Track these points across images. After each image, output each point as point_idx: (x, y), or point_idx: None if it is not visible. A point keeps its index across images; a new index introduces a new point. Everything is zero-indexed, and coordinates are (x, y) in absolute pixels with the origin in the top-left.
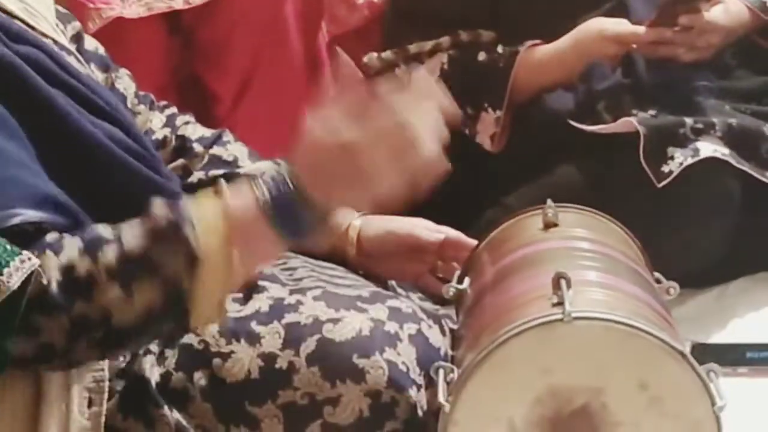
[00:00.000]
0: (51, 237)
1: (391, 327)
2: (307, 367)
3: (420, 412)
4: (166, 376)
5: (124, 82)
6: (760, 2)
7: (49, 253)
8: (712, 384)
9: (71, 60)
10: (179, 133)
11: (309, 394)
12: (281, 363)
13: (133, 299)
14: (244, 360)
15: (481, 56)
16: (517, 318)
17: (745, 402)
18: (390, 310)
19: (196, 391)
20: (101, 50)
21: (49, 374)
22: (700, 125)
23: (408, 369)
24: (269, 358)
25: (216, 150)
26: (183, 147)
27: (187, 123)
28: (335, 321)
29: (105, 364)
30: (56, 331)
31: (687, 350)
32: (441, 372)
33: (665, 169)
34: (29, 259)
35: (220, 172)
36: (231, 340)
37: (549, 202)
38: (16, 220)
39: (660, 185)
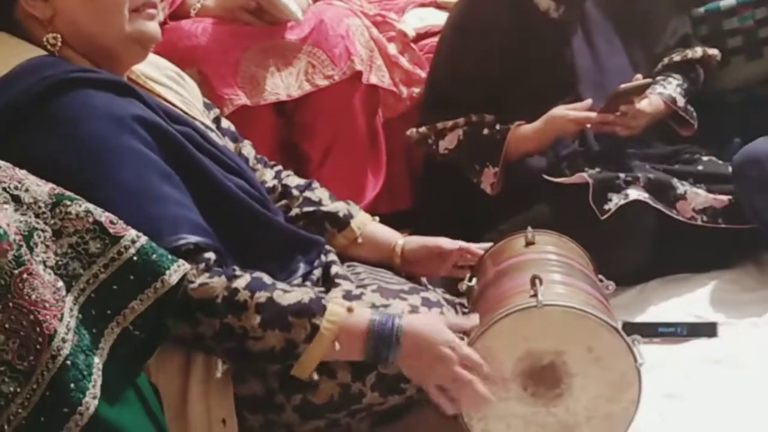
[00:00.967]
0: (209, 254)
1: (423, 310)
2: (371, 392)
3: None
4: (270, 394)
5: (247, 149)
6: (671, 97)
7: (223, 277)
8: (635, 348)
9: (213, 135)
10: (283, 182)
11: (369, 404)
12: (354, 390)
13: (264, 335)
14: None
15: (485, 131)
16: (506, 305)
17: (657, 361)
18: (423, 299)
19: (289, 407)
20: (232, 128)
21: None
22: (629, 178)
23: None
24: (344, 387)
25: (307, 194)
26: (285, 192)
27: (288, 175)
28: (386, 306)
29: None
30: (209, 328)
31: (619, 326)
32: None
33: (606, 207)
34: (183, 264)
35: (311, 209)
36: None
37: (529, 228)
38: (182, 242)
39: (603, 218)
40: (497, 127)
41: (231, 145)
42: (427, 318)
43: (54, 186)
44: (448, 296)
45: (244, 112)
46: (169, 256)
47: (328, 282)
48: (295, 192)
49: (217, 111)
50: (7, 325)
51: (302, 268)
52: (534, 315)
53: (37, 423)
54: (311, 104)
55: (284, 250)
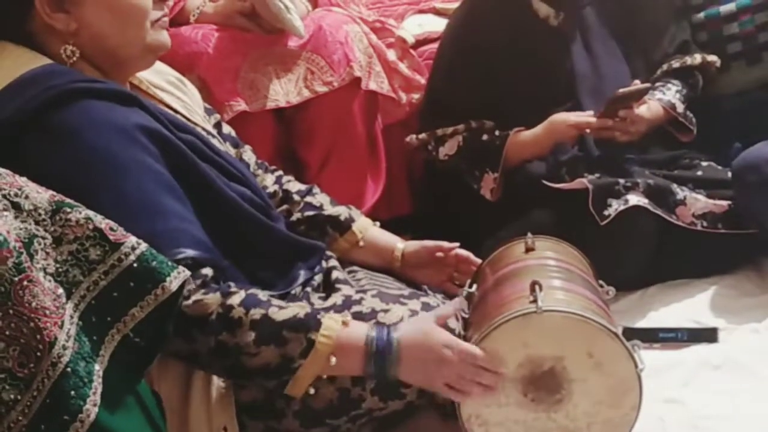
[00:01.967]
0: (206, 270)
1: (423, 315)
2: (371, 397)
3: None
4: (270, 396)
5: (248, 154)
6: (670, 103)
7: (218, 294)
8: (635, 354)
9: (215, 141)
10: (284, 187)
11: (369, 409)
12: (353, 395)
13: (259, 351)
14: None
15: (485, 137)
16: (506, 311)
17: (658, 366)
18: (422, 303)
19: (289, 411)
20: (233, 133)
21: None
22: (629, 184)
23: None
24: (343, 392)
25: (308, 198)
26: (287, 197)
27: (289, 181)
28: (386, 311)
29: None
30: (204, 345)
31: (619, 332)
32: None
33: (606, 213)
34: (183, 271)
35: (312, 213)
36: None
37: (529, 234)
38: (180, 256)
39: (602, 224)
40: (497, 133)
41: (232, 151)
42: (418, 324)
43: (54, 193)
44: (448, 301)
45: (243, 118)
46: (169, 263)
47: (328, 287)
48: (296, 197)
49: (218, 116)
50: (7, 333)
51: (303, 275)
52: (534, 320)
53: (38, 431)
54: (310, 110)
55: (285, 257)
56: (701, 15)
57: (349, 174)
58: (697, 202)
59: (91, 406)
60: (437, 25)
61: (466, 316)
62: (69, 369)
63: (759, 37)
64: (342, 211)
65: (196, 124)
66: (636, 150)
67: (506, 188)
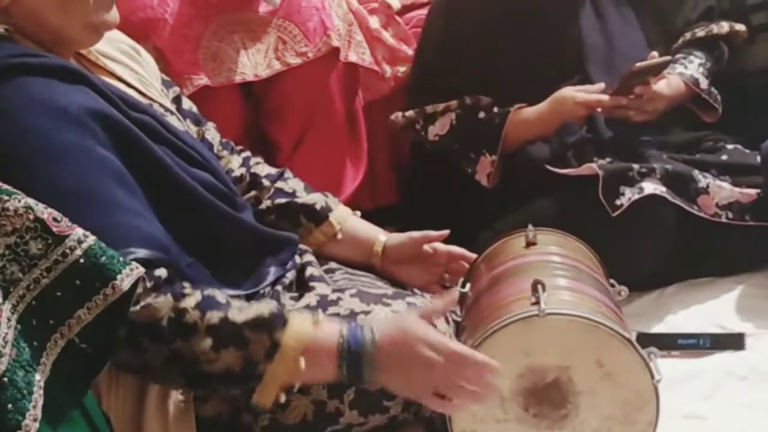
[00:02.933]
0: (160, 272)
1: (406, 311)
2: (350, 411)
3: None
4: (236, 411)
5: (212, 133)
6: (693, 78)
7: (169, 296)
8: (651, 363)
9: (173, 119)
10: (252, 171)
11: (349, 425)
12: (330, 408)
13: (218, 356)
14: None
15: (481, 114)
16: (503, 314)
17: (676, 377)
18: (408, 305)
19: (257, 428)
20: (194, 108)
21: None
22: (644, 170)
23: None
24: (319, 405)
25: (279, 184)
26: (255, 182)
27: (258, 163)
28: (366, 312)
29: None
30: (156, 355)
31: (633, 337)
32: None
33: (618, 202)
34: (137, 267)
35: (283, 200)
36: None
37: (530, 226)
38: (131, 257)
39: (614, 215)
40: (495, 110)
41: (193, 129)
42: (399, 320)
43: None
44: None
45: (205, 94)
46: (121, 259)
47: (302, 286)
48: (266, 182)
49: (177, 89)
50: None
51: (273, 272)
52: (536, 325)
53: None
54: (282, 85)
55: (253, 252)
56: None
57: (326, 157)
58: (722, 190)
59: (31, 421)
60: None
61: (458, 319)
62: (6, 379)
63: None
64: (318, 199)
65: (152, 99)
66: (653, 131)
67: (505, 173)
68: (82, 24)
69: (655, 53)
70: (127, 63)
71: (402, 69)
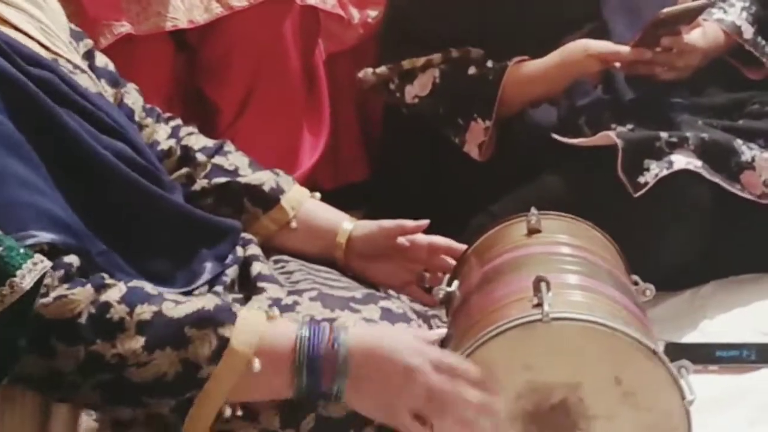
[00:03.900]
0: (71, 259)
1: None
2: None
3: None
4: None
5: (132, 96)
6: (734, 26)
7: (89, 287)
8: (682, 379)
9: (83, 79)
10: (183, 143)
11: None
12: None
13: (151, 359)
14: None
15: (472, 70)
16: (499, 319)
17: (714, 397)
18: (382, 310)
19: None
20: (111, 66)
21: None
22: (674, 139)
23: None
24: None
25: (218, 159)
26: (187, 156)
27: (190, 134)
28: (330, 320)
29: None
30: (70, 360)
31: (660, 348)
32: None
33: (641, 180)
34: (41, 261)
35: (223, 180)
36: None
37: (533, 209)
38: (30, 241)
39: (636, 195)
40: (489, 64)
41: (109, 92)
42: (377, 326)
43: None
44: (417, 306)
45: (127, 45)
46: (21, 250)
47: (247, 286)
48: (201, 156)
49: (89, 43)
50: None
51: (209, 268)
52: (539, 332)
53: None
54: (223, 34)
55: (183, 241)
56: None
57: (278, 124)
58: None
59: None
60: None
61: (444, 325)
62: None
63: None
64: (266, 178)
65: (57, 54)
66: (685, 92)
67: (501, 144)
68: None
69: None
70: (26, 9)
71: (373, 14)
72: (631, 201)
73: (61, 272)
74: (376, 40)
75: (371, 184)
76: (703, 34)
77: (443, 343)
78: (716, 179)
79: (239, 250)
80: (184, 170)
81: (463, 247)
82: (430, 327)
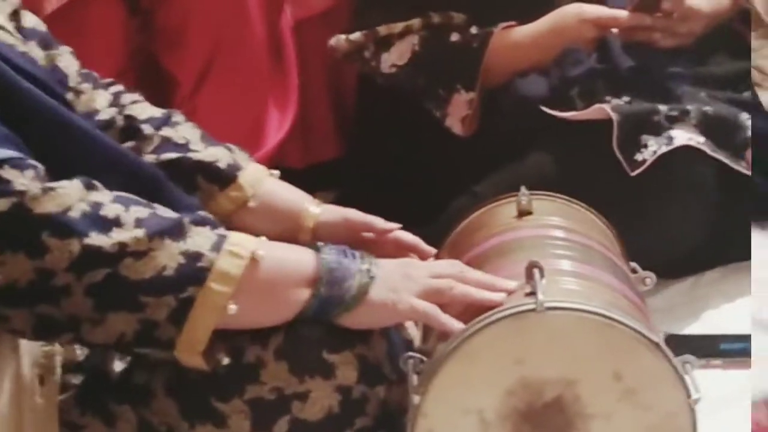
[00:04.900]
0: (35, 163)
1: None
2: (275, 362)
3: (391, 408)
4: (127, 371)
5: (66, 59)
6: None
7: (76, 182)
8: (687, 375)
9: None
10: (126, 113)
11: (277, 388)
12: (249, 357)
13: (150, 248)
14: None
15: (454, 36)
16: (488, 309)
17: (718, 394)
18: None
19: (158, 386)
20: (42, 27)
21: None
22: (674, 113)
23: (379, 364)
24: (236, 353)
25: (166, 131)
26: (131, 128)
27: (134, 102)
28: None
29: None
30: (64, 255)
31: (661, 341)
32: (411, 363)
33: (639, 157)
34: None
35: (173, 155)
36: None
37: (523, 189)
38: None
39: (633, 173)
40: (473, 30)
41: (40, 55)
42: None
43: None
44: None
45: (73, 8)
46: None
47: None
48: (147, 128)
49: (15, 2)
50: None
51: None
52: (531, 323)
53: None
54: None
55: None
56: None
57: (241, 95)
58: None
59: None
60: None
61: None
62: None
63: None
64: (220, 155)
65: None
66: (687, 61)
67: (486, 118)
68: None
69: None
70: None
71: None
72: (628, 180)
73: (31, 172)
74: (348, 4)
75: (344, 163)
76: None
77: (425, 335)
78: (720, 156)
79: None
80: (129, 144)
81: (433, 251)
82: (414, 321)
